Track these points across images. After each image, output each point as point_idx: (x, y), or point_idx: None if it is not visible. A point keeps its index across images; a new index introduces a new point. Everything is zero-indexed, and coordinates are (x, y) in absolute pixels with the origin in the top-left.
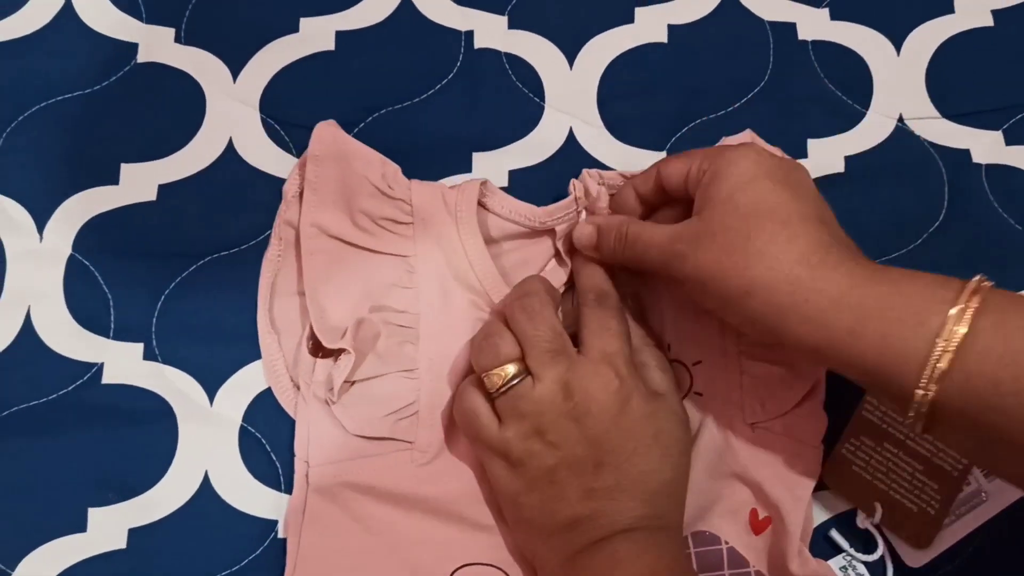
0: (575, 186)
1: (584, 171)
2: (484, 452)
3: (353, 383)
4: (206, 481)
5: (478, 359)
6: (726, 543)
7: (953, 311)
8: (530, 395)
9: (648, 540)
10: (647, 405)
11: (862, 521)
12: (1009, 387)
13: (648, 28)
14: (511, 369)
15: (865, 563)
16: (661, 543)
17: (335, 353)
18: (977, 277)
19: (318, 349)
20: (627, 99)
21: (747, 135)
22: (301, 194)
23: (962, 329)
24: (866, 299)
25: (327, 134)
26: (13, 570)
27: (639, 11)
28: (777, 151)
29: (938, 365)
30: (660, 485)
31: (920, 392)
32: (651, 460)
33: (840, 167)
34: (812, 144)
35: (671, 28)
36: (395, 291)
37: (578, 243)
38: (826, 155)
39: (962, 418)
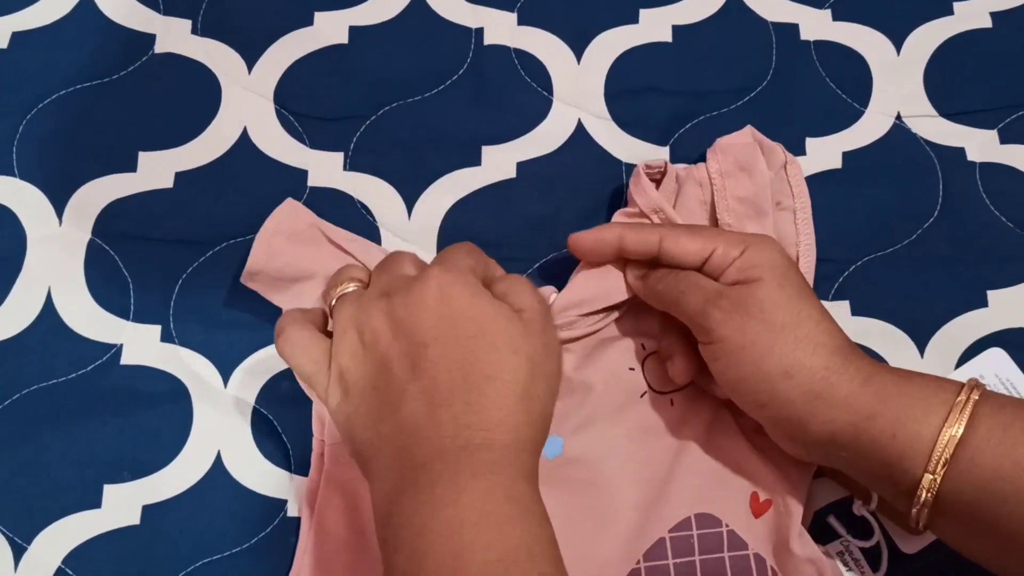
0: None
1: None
2: (312, 386)
3: None
4: (218, 460)
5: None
6: (727, 526)
7: (959, 399)
8: (356, 298)
9: (492, 461)
10: (475, 300)
11: (858, 508)
12: (1008, 472)
13: (653, 28)
14: (351, 285)
15: (861, 548)
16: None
17: None
18: (973, 378)
19: None
20: (632, 96)
21: (747, 131)
22: None
23: (965, 418)
24: (884, 387)
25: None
26: (29, 544)
27: (644, 12)
28: (779, 147)
29: (945, 450)
30: (502, 389)
31: (929, 477)
32: (485, 359)
33: (837, 163)
34: (810, 142)
35: (675, 28)
36: None
37: (598, 241)
38: (824, 152)
39: (964, 507)
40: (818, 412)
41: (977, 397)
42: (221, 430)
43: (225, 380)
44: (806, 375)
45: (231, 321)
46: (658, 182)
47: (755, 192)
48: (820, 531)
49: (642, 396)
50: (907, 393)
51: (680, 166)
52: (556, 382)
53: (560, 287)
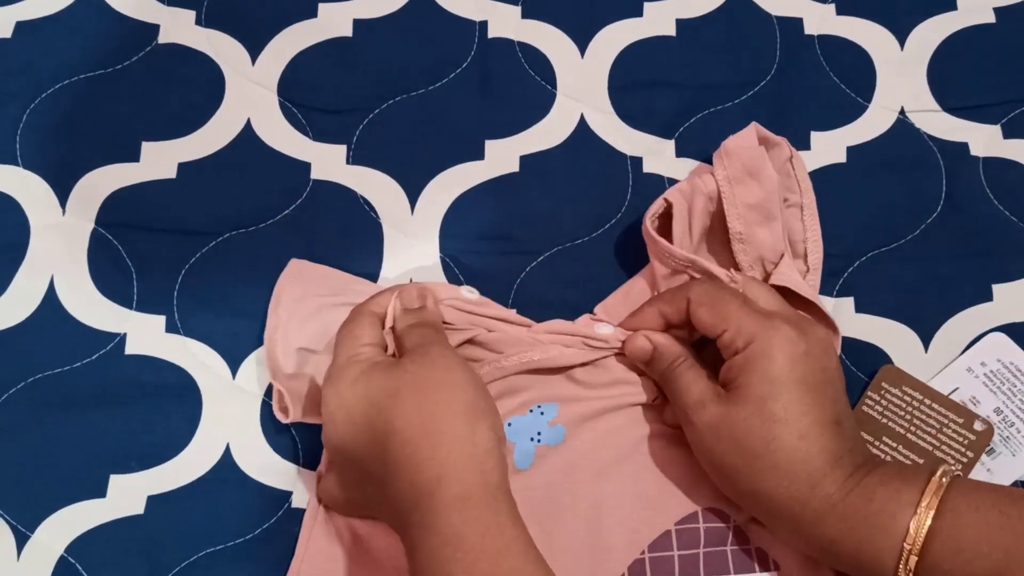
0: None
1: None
2: None
3: None
4: (227, 452)
5: None
6: (732, 521)
7: (914, 519)
8: None
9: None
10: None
11: None
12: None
13: (657, 22)
14: None
15: None
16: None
17: None
18: (939, 472)
19: None
20: (636, 90)
21: (752, 131)
22: None
23: (923, 532)
24: (847, 512)
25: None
26: (33, 532)
27: (648, 6)
28: (784, 141)
29: (908, 566)
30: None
31: None
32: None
33: (842, 158)
34: (815, 136)
35: (679, 22)
36: None
37: (631, 353)
38: (829, 146)
39: None
40: (781, 534)
41: (934, 508)
42: (230, 422)
43: (234, 372)
44: (770, 504)
45: (236, 311)
46: (667, 215)
47: (764, 197)
48: None
49: (653, 398)
50: (868, 515)
51: (682, 181)
52: (460, 383)
53: (563, 280)
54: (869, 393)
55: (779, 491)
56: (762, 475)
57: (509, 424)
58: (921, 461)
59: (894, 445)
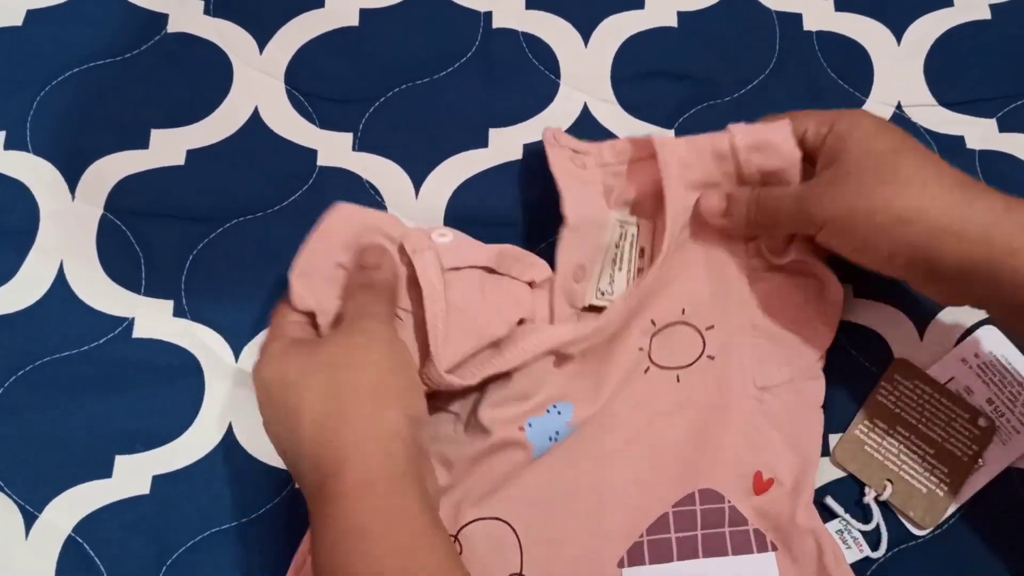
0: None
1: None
2: None
3: None
4: (230, 432)
5: None
6: (728, 502)
7: None
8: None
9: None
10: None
11: (870, 497)
12: None
13: (659, 14)
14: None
15: (860, 531)
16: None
17: None
18: None
19: None
20: (638, 80)
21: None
22: None
23: None
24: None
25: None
26: (40, 512)
27: None
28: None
29: None
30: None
31: None
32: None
33: None
34: None
35: (680, 15)
36: None
37: (707, 211)
38: None
39: None
40: (949, 248)
41: None
42: (232, 403)
43: (236, 354)
44: (924, 216)
45: (241, 296)
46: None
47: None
48: (818, 511)
49: (646, 372)
50: None
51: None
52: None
53: None
54: (883, 383)
55: (928, 200)
56: (902, 190)
57: (529, 425)
58: (932, 452)
59: (907, 435)
